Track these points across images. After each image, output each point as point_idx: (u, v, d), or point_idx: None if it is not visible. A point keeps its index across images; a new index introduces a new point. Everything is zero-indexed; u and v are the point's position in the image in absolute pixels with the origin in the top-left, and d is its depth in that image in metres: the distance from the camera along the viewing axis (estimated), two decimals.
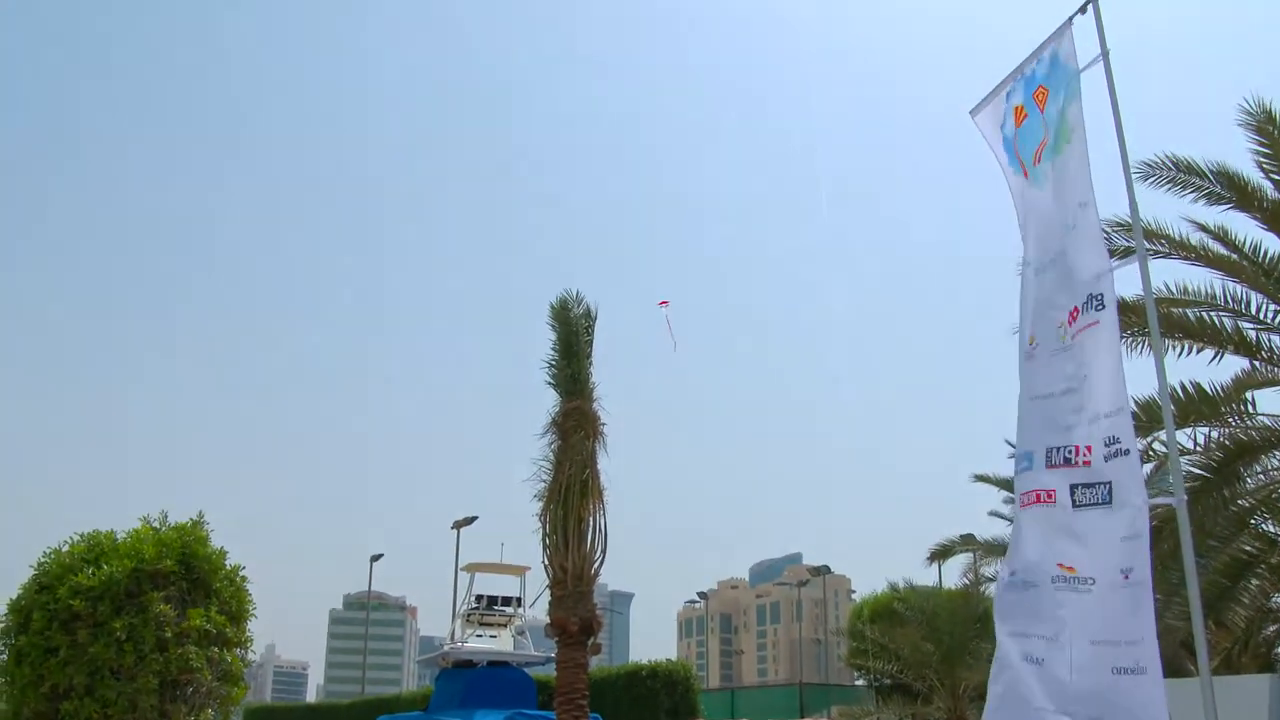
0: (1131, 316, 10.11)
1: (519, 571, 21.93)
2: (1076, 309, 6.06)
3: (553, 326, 14.87)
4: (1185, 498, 5.75)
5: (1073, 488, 5.83)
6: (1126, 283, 9.50)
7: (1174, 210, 11.86)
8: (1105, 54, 6.86)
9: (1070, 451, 5.92)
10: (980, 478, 19.54)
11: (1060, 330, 6.30)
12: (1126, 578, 5.28)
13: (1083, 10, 7.07)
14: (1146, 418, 10.77)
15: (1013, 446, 6.83)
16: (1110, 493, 5.55)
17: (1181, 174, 11.88)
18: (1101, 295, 5.86)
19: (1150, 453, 11.67)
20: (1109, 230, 10.45)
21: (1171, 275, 11.98)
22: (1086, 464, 5.77)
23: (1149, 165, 11.77)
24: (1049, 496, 6.05)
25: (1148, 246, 10.95)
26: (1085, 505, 5.72)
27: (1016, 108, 7.42)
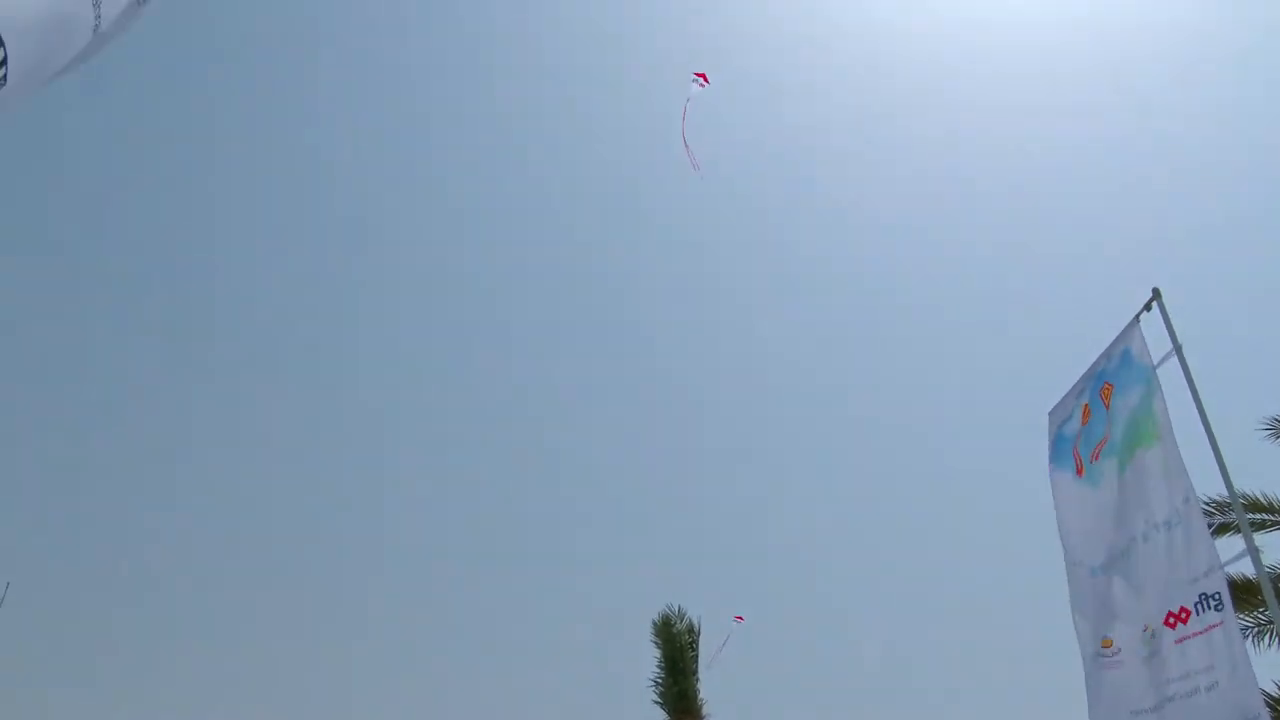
0: (1252, 596, 9.69)
1: None
2: (1186, 610, 5.80)
3: (656, 644, 14.77)
4: None
5: None
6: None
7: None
8: (1178, 348, 7.08)
9: None
10: None
11: (1152, 636, 6.02)
12: None
13: (1148, 308, 7.36)
14: None
15: None
16: None
17: None
18: (1219, 594, 5.66)
19: None
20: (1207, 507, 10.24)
21: None
22: None
23: (1277, 421, 11.60)
24: None
25: (1268, 519, 10.66)
26: None
27: (1084, 406, 7.60)
